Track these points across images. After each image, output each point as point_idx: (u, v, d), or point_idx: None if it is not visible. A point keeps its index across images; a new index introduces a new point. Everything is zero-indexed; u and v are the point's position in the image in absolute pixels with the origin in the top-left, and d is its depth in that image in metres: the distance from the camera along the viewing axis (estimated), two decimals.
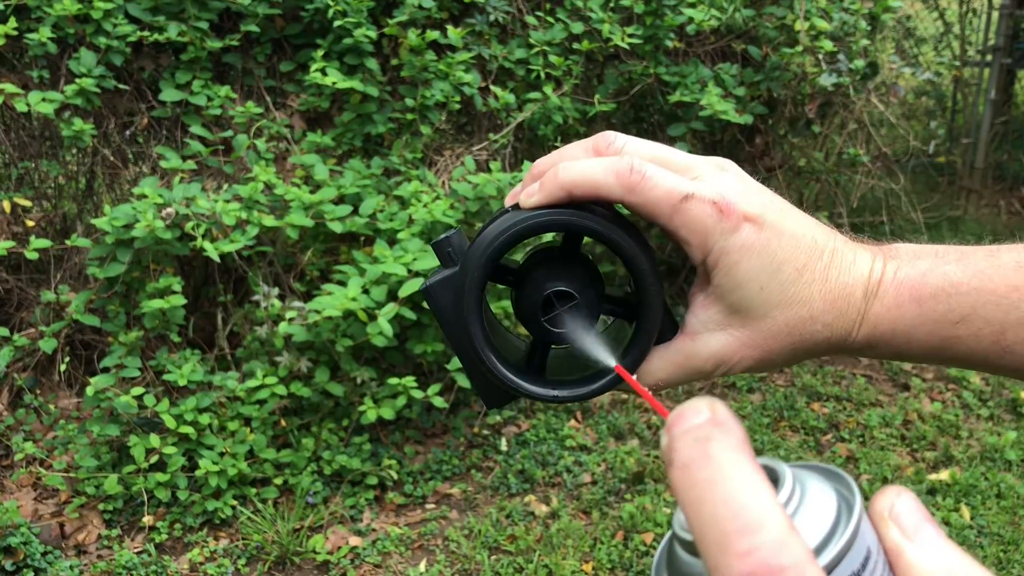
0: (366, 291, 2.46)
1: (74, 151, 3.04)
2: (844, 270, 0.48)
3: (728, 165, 0.49)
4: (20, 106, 2.59)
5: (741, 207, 0.46)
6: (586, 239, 0.48)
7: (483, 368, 0.48)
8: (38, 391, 2.84)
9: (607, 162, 0.46)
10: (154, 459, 2.48)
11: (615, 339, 0.51)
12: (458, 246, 0.48)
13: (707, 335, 0.48)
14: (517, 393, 0.48)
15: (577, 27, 3.14)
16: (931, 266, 0.47)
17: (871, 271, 0.48)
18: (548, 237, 0.51)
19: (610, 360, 0.46)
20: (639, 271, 0.46)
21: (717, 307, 0.47)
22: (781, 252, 0.46)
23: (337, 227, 2.60)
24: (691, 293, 0.50)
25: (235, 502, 2.54)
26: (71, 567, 2.33)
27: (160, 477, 2.47)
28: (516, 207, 0.48)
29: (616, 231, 0.45)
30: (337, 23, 2.78)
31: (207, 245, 2.46)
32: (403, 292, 2.39)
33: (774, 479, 0.29)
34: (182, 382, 2.51)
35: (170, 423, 2.45)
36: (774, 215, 0.47)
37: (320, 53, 2.83)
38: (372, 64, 2.85)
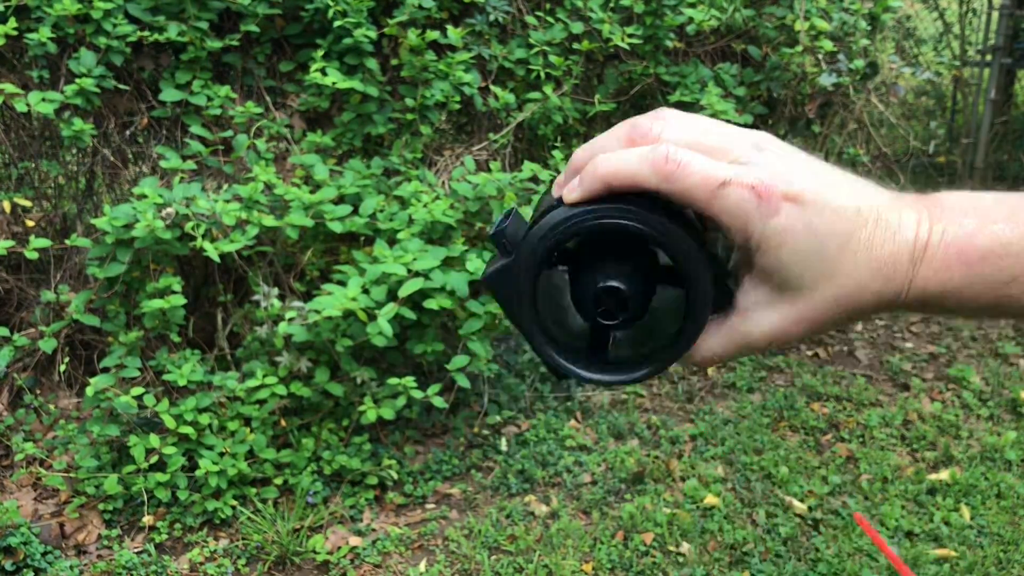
0: (366, 291, 2.46)
1: (74, 151, 3.04)
2: (889, 238, 0.47)
3: (766, 142, 0.49)
4: (20, 106, 2.59)
5: (780, 188, 0.46)
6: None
7: (543, 358, 0.50)
8: (38, 391, 2.84)
9: (642, 152, 0.46)
10: (154, 459, 2.48)
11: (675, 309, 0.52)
12: (512, 236, 0.49)
13: (757, 314, 0.49)
14: (580, 379, 0.50)
15: (577, 27, 3.14)
16: (978, 226, 0.47)
17: (916, 236, 0.47)
18: None
19: (649, 345, 0.49)
20: (679, 257, 0.47)
21: (764, 287, 0.48)
22: (823, 229, 0.46)
23: (337, 227, 2.60)
24: (739, 272, 0.50)
25: (235, 502, 2.54)
26: (71, 567, 2.33)
27: (160, 477, 2.47)
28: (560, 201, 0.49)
29: (654, 221, 0.46)
30: (337, 23, 2.79)
31: (207, 245, 2.47)
32: (403, 292, 2.39)
33: None
34: (182, 382, 2.51)
35: (170, 423, 2.45)
36: (814, 191, 0.47)
37: (320, 53, 2.83)
38: (372, 64, 2.86)
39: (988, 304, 0.47)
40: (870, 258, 0.47)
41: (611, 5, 3.18)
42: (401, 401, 2.53)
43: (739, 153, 0.47)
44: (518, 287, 0.49)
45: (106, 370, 2.57)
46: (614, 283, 0.48)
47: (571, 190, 0.47)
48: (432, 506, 2.67)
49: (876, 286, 0.47)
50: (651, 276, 0.49)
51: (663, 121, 0.48)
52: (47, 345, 2.59)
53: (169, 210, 2.48)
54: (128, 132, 2.93)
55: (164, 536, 2.47)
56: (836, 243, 0.46)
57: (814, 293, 0.47)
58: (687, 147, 0.46)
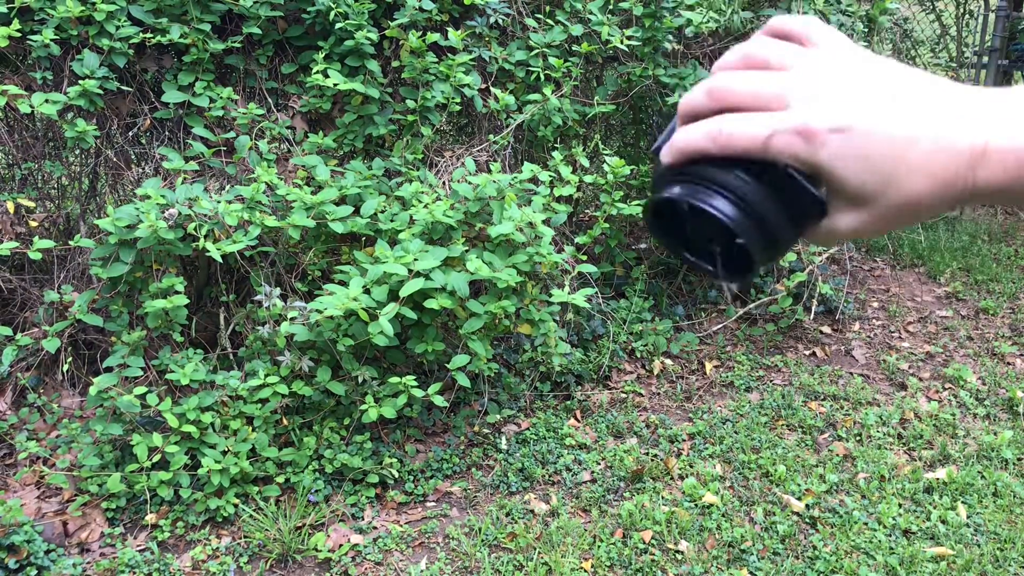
0: (367, 291, 2.48)
1: (77, 152, 3.06)
2: (945, 147, 0.51)
3: (822, 59, 0.54)
4: (23, 107, 2.60)
5: (825, 123, 0.51)
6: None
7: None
8: (41, 390, 2.86)
9: (703, 128, 0.53)
10: (157, 458, 2.49)
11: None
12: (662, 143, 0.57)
13: (839, 216, 0.54)
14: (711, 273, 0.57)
15: (576, 29, 3.16)
16: None
17: (975, 136, 0.51)
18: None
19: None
20: (732, 232, 0.52)
21: (838, 197, 0.53)
22: (875, 151, 0.51)
23: (338, 227, 2.62)
24: (822, 184, 0.56)
25: (237, 500, 2.56)
26: (74, 565, 2.35)
27: (163, 475, 2.48)
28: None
29: (704, 195, 0.53)
30: (338, 25, 2.80)
31: (209, 245, 2.48)
32: (404, 292, 2.41)
33: None
34: (185, 381, 2.53)
35: (173, 422, 2.47)
36: (864, 117, 0.51)
37: (322, 55, 2.85)
38: (373, 66, 2.87)
39: None
40: (927, 171, 0.51)
41: (610, 7, 3.20)
42: (402, 400, 2.55)
43: (791, 87, 0.52)
44: (647, 212, 0.56)
45: (109, 369, 2.59)
46: (704, 262, 0.55)
47: (665, 154, 0.55)
48: (433, 504, 2.68)
49: (937, 190, 0.52)
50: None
51: (729, 78, 0.54)
52: (50, 345, 2.60)
53: (172, 211, 2.50)
54: (131, 133, 2.94)
55: (167, 534, 2.48)
56: (890, 162, 0.51)
57: (877, 203, 0.53)
58: (751, 99, 0.53)
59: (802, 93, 0.53)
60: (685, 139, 0.54)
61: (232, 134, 2.86)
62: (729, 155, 0.53)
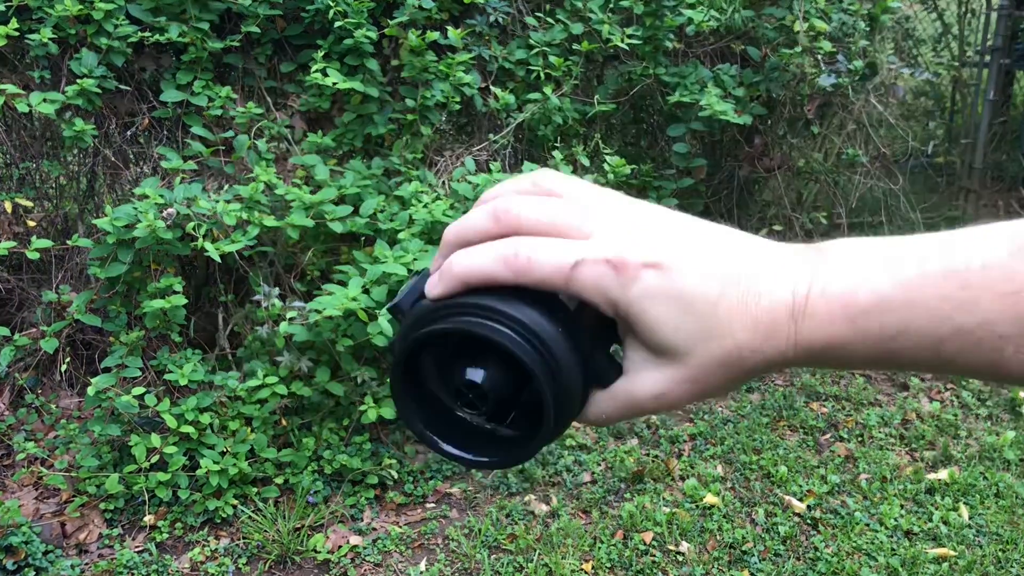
0: (367, 291, 2.47)
1: (75, 151, 3.05)
2: (764, 294, 0.45)
3: (624, 207, 0.48)
4: (21, 106, 2.59)
5: (638, 257, 0.45)
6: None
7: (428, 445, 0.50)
8: (39, 391, 2.85)
9: (493, 250, 0.46)
10: (155, 458, 2.48)
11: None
12: (403, 307, 0.49)
13: (642, 375, 0.47)
14: (443, 454, 0.49)
15: (577, 28, 3.15)
16: (860, 279, 0.45)
17: (794, 291, 0.45)
18: None
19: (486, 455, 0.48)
20: (522, 361, 0.45)
21: (643, 350, 0.47)
22: (689, 289, 0.45)
23: (338, 227, 2.61)
24: (621, 336, 0.49)
25: (236, 501, 2.55)
26: (72, 566, 2.34)
27: (161, 476, 2.47)
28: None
29: (499, 330, 0.45)
30: (338, 24, 2.79)
31: (208, 245, 2.47)
32: None
33: None
34: (183, 382, 2.52)
35: (171, 423, 2.46)
36: (675, 255, 0.45)
37: (321, 54, 2.84)
38: (373, 65, 2.86)
39: (877, 359, 0.45)
40: (745, 317, 0.45)
41: (611, 6, 3.19)
42: None
43: (594, 225, 0.46)
44: (392, 389, 0.48)
45: (107, 370, 2.58)
46: (474, 378, 0.46)
47: (432, 285, 0.47)
48: (432, 505, 2.67)
49: (756, 344, 0.45)
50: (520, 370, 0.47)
51: (519, 201, 0.47)
52: (48, 345, 2.59)
53: (170, 210, 2.49)
54: (129, 132, 2.93)
55: (165, 535, 2.47)
56: (705, 303, 0.45)
57: (691, 354, 0.45)
58: (546, 225, 0.46)
59: (607, 224, 0.46)
60: (468, 262, 0.46)
61: (231, 133, 2.85)
62: (522, 284, 0.45)
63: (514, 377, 0.47)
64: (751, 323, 0.45)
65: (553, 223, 0.46)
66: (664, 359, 0.46)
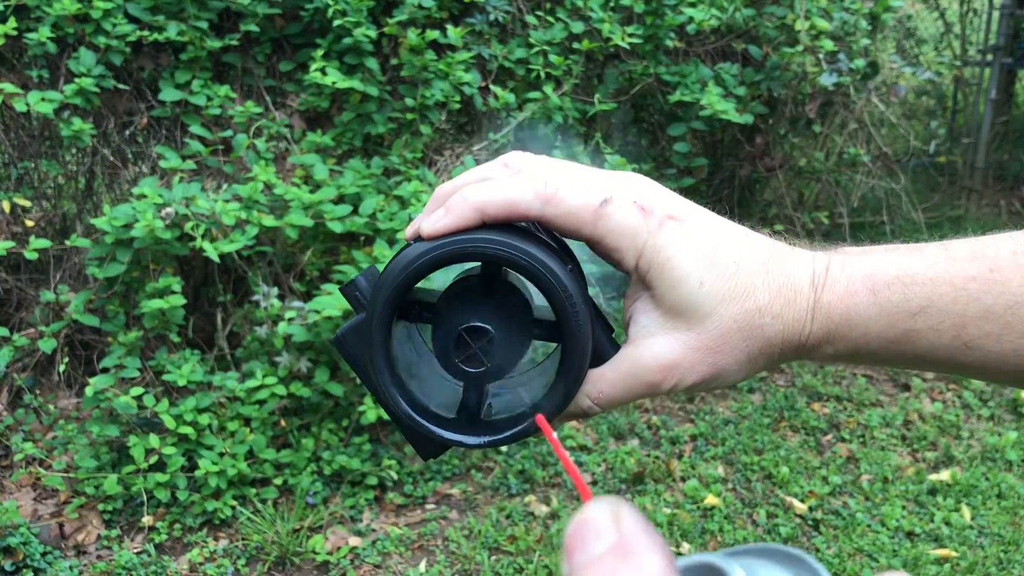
0: None
1: (73, 151, 3.04)
2: (785, 260, 0.45)
3: (639, 176, 0.46)
4: (19, 106, 2.58)
5: (661, 207, 0.44)
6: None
7: (397, 416, 0.44)
8: (37, 391, 2.84)
9: (519, 177, 0.43)
10: (153, 459, 2.47)
11: (553, 367, 0.47)
12: (365, 289, 0.44)
13: (651, 340, 0.44)
14: (435, 439, 0.44)
15: (577, 27, 3.14)
16: (883, 257, 0.45)
17: (814, 262, 0.45)
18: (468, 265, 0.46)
19: (527, 400, 0.43)
20: (553, 294, 0.42)
21: (658, 311, 0.44)
22: (714, 245, 0.44)
23: (337, 227, 2.60)
24: (627, 305, 0.46)
25: (235, 502, 2.54)
26: (71, 567, 2.33)
27: (160, 477, 2.46)
28: (419, 239, 0.43)
29: (527, 253, 0.41)
30: (337, 23, 2.78)
31: (207, 245, 2.46)
32: None
33: None
34: (182, 382, 2.51)
35: (170, 423, 2.45)
36: (697, 214, 0.45)
37: (320, 53, 2.82)
38: (372, 64, 2.85)
39: (895, 339, 0.44)
40: (768, 279, 0.44)
41: (611, 5, 3.18)
42: None
43: (614, 180, 0.45)
44: (371, 342, 0.42)
45: (105, 370, 2.57)
46: (479, 323, 0.43)
47: (436, 220, 0.42)
48: (432, 506, 2.66)
49: (776, 308, 0.44)
50: (524, 329, 0.44)
51: (523, 160, 0.46)
52: (46, 345, 2.58)
53: (169, 210, 2.48)
54: (128, 132, 2.92)
55: (164, 536, 2.46)
56: (730, 260, 0.43)
57: (712, 315, 0.43)
58: (593, 179, 0.45)
59: (626, 183, 0.45)
60: (489, 189, 0.42)
61: (229, 132, 2.84)
62: (546, 218, 0.42)
63: (519, 329, 0.43)
64: (775, 287, 0.44)
65: (572, 173, 0.44)
66: (681, 321, 0.44)
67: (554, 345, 0.46)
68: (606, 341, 0.45)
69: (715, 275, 0.43)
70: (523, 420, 0.44)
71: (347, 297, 0.45)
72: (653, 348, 0.44)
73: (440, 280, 0.46)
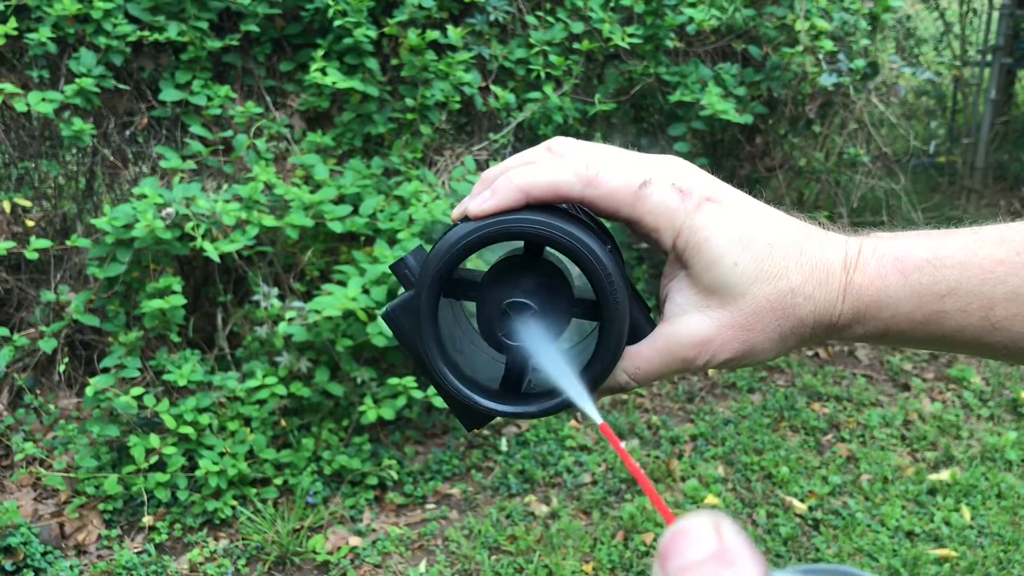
0: (366, 291, 2.46)
1: (74, 151, 3.04)
2: (818, 243, 0.47)
3: (678, 159, 0.48)
4: (20, 106, 2.58)
5: (701, 189, 0.45)
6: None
7: (444, 388, 0.46)
8: (38, 391, 2.84)
9: (562, 160, 0.45)
10: (154, 459, 2.47)
11: (591, 346, 0.49)
12: (414, 267, 0.46)
13: (686, 317, 0.46)
14: (480, 409, 0.46)
15: (577, 27, 3.14)
16: (913, 241, 0.46)
17: (847, 245, 0.47)
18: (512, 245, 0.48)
19: (568, 375, 0.44)
20: (593, 272, 0.44)
21: (694, 289, 0.46)
22: (749, 226, 0.45)
23: (337, 227, 2.60)
24: (664, 284, 0.48)
25: (235, 502, 2.54)
26: (71, 567, 2.33)
27: (160, 477, 2.46)
28: (465, 219, 0.46)
29: (569, 233, 0.43)
30: (337, 23, 2.78)
31: (207, 245, 2.46)
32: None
33: None
34: (182, 382, 2.51)
35: (170, 423, 2.45)
36: (734, 196, 0.46)
37: (320, 53, 2.83)
38: (372, 64, 2.85)
39: (923, 320, 0.45)
40: (801, 261, 0.46)
41: (611, 5, 3.18)
42: (401, 401, 2.53)
43: (652, 163, 0.46)
44: (420, 317, 0.45)
45: (106, 370, 2.57)
46: (521, 298, 0.45)
47: (482, 201, 0.45)
48: (432, 506, 2.66)
49: (809, 289, 0.45)
50: (565, 308, 0.46)
51: (566, 144, 0.47)
52: (47, 345, 2.58)
53: (169, 210, 2.48)
54: (128, 132, 2.92)
55: (164, 536, 2.47)
56: (764, 242, 0.45)
57: (745, 295, 0.45)
58: (634, 160, 0.46)
59: (665, 165, 0.46)
60: (534, 171, 0.44)
61: (230, 133, 2.84)
62: (587, 198, 0.44)
63: (559, 307, 0.45)
64: (807, 268, 0.46)
65: (612, 156, 0.46)
66: (715, 300, 0.45)
67: (593, 323, 0.47)
68: (643, 319, 0.47)
69: (749, 256, 0.45)
70: (562, 393, 0.46)
71: (397, 274, 0.47)
72: (688, 325, 0.46)
73: (485, 259, 0.48)
